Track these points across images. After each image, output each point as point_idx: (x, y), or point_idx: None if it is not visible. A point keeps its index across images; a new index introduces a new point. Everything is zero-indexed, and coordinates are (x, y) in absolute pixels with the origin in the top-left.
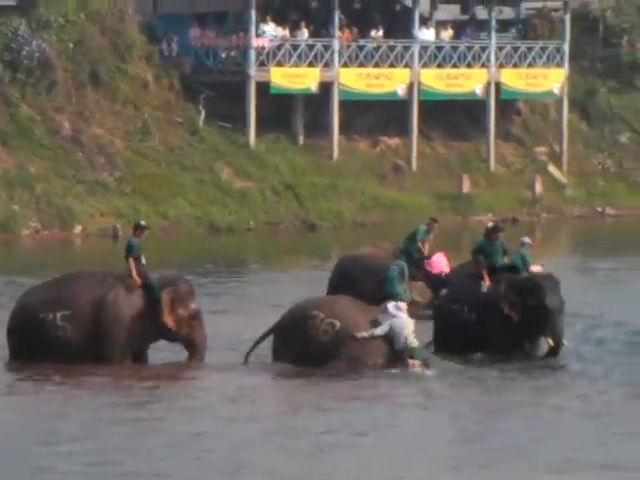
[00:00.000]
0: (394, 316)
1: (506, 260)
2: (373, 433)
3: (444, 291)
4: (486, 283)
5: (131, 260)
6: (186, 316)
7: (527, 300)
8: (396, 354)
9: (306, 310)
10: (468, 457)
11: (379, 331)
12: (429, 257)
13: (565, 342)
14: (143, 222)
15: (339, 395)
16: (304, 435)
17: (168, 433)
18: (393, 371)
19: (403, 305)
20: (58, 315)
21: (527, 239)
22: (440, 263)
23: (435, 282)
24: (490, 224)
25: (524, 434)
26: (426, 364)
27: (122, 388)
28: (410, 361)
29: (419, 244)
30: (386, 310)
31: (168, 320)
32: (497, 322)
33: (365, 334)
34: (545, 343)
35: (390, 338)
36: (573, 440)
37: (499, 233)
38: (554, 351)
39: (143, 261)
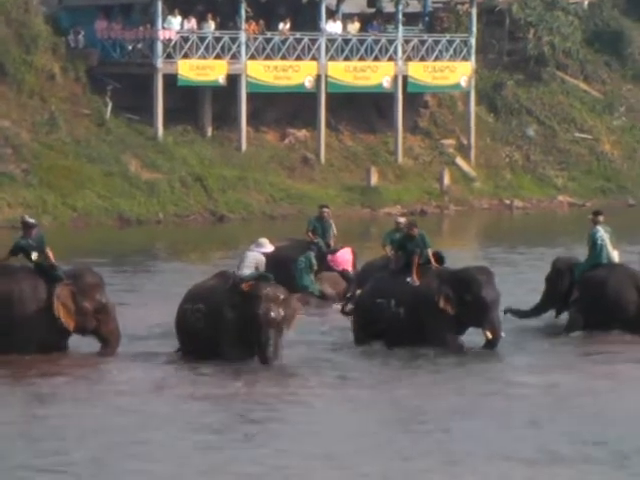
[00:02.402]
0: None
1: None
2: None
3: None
4: (414, 277)
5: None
6: (91, 309)
7: (463, 294)
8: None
9: (179, 308)
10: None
11: (247, 270)
12: (334, 252)
13: (503, 334)
14: (30, 220)
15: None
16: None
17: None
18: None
19: (264, 241)
20: None
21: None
22: (343, 260)
23: (343, 277)
24: (401, 219)
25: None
26: (264, 280)
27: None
28: (244, 284)
29: (308, 234)
30: None
31: (60, 314)
32: (433, 316)
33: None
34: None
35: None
36: None
37: (415, 228)
38: (492, 344)
39: (34, 257)
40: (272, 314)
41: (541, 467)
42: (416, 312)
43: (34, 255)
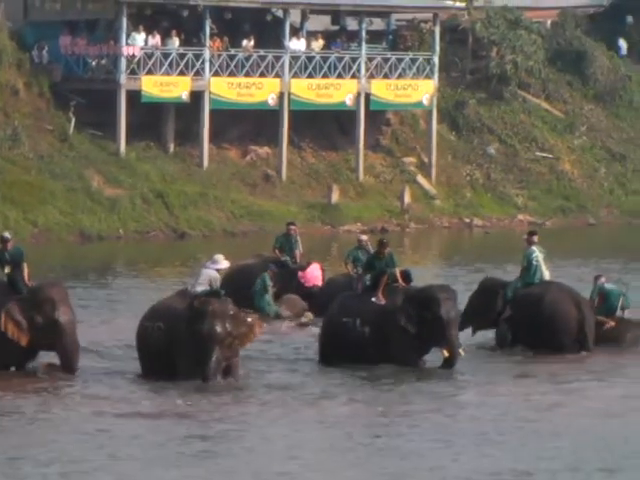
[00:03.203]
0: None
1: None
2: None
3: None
4: (379, 296)
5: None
6: (43, 324)
7: (423, 312)
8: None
9: (140, 325)
10: None
11: (200, 287)
12: (303, 269)
13: (462, 352)
14: (6, 234)
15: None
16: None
17: None
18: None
19: (219, 257)
20: None
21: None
22: (313, 276)
23: (308, 294)
24: (364, 237)
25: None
26: (214, 296)
27: None
28: (195, 301)
29: (275, 252)
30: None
31: (8, 329)
32: (396, 335)
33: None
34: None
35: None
36: None
37: (387, 247)
38: (450, 362)
39: (6, 270)
40: (216, 330)
41: None
42: (381, 331)
43: (7, 268)
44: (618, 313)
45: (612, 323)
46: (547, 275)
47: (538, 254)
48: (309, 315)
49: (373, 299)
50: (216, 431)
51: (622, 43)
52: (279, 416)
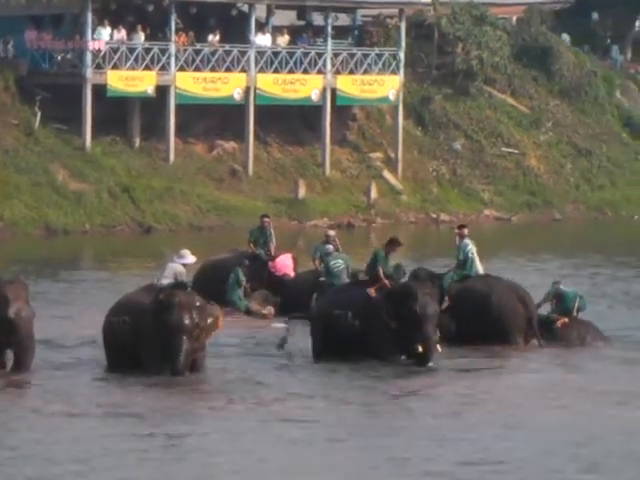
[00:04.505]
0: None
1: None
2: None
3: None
4: (372, 291)
5: None
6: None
7: (400, 307)
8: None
9: (106, 320)
10: None
11: (165, 281)
12: (274, 259)
13: (439, 348)
14: None
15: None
16: None
17: None
18: None
19: (185, 252)
20: None
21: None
22: (284, 265)
23: (278, 285)
24: (331, 232)
25: None
26: (179, 288)
27: None
28: (161, 294)
29: (250, 245)
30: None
31: None
32: (380, 329)
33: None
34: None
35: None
36: None
37: (398, 246)
38: (424, 359)
39: None
40: (185, 321)
41: None
42: (366, 322)
43: None
44: (574, 314)
45: (565, 320)
46: (480, 269)
47: (472, 247)
48: (270, 309)
49: (366, 290)
50: (179, 429)
51: (565, 36)
52: (246, 412)
